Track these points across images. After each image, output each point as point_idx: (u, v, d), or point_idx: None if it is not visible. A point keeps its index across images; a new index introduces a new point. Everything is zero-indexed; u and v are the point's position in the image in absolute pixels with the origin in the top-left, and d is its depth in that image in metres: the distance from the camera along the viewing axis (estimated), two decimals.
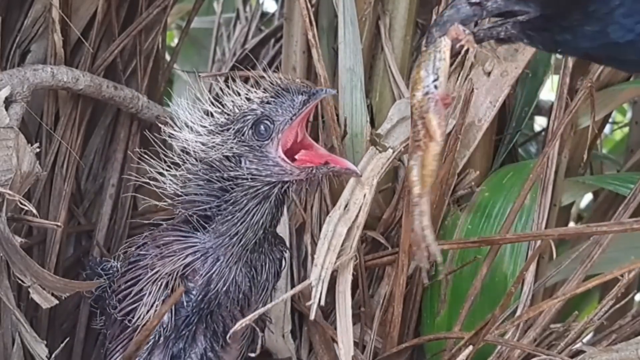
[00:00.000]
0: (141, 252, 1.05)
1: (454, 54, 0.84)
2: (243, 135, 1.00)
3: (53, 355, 1.04)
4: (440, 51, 0.83)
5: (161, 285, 1.01)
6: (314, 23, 1.23)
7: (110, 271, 1.11)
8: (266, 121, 0.99)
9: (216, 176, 1.01)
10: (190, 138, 1.02)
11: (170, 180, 1.03)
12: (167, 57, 1.65)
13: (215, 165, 1.01)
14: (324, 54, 1.29)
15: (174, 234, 1.04)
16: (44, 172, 1.17)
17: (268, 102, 1.00)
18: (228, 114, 1.02)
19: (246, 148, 1.00)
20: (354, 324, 1.21)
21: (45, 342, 1.04)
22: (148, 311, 1.01)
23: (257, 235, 1.02)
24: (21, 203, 0.99)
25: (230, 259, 1.02)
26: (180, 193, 1.04)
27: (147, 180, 1.05)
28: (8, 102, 1.07)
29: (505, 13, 0.83)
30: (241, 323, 1.01)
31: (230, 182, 1.00)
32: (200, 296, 1.02)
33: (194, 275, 1.02)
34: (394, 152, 1.18)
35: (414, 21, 1.36)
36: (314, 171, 0.99)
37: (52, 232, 1.23)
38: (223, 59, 2.03)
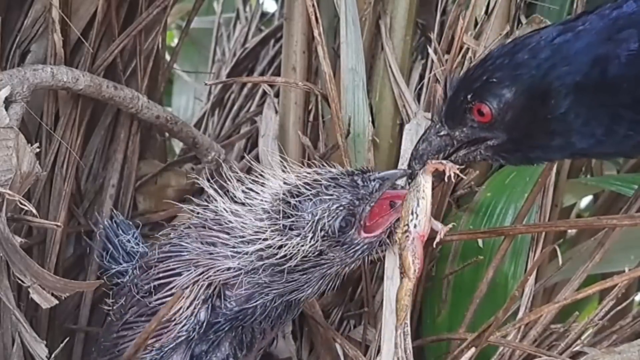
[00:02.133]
0: (183, 244, 1.01)
1: (440, 181, 0.90)
2: (327, 232, 0.94)
3: (53, 355, 1.03)
4: (421, 190, 0.89)
5: (202, 286, 0.98)
6: (320, 20, 1.22)
7: (131, 243, 1.10)
8: (348, 216, 0.95)
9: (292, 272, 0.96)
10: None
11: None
12: (167, 57, 1.65)
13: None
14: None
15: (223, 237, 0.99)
16: (44, 172, 1.16)
17: (344, 194, 0.94)
18: (292, 212, 0.94)
19: (331, 243, 0.95)
20: (356, 325, 1.21)
21: (45, 342, 1.03)
22: (188, 307, 0.98)
23: None
24: (21, 203, 0.99)
25: (274, 287, 0.99)
26: None
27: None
28: (8, 102, 1.06)
29: (476, 139, 0.88)
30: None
31: (310, 270, 0.96)
32: (237, 308, 0.99)
33: (235, 286, 0.99)
34: None
35: (414, 21, 1.36)
36: (392, 226, 0.96)
37: (52, 232, 1.22)
38: (223, 59, 2.03)
